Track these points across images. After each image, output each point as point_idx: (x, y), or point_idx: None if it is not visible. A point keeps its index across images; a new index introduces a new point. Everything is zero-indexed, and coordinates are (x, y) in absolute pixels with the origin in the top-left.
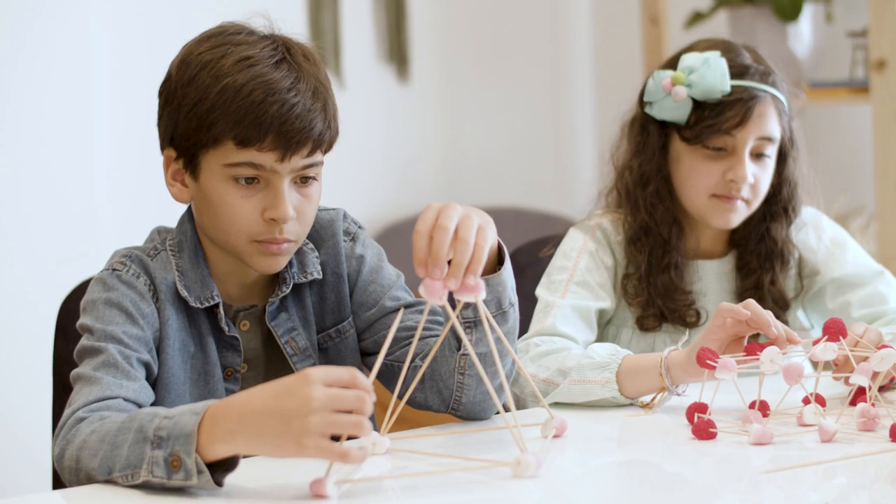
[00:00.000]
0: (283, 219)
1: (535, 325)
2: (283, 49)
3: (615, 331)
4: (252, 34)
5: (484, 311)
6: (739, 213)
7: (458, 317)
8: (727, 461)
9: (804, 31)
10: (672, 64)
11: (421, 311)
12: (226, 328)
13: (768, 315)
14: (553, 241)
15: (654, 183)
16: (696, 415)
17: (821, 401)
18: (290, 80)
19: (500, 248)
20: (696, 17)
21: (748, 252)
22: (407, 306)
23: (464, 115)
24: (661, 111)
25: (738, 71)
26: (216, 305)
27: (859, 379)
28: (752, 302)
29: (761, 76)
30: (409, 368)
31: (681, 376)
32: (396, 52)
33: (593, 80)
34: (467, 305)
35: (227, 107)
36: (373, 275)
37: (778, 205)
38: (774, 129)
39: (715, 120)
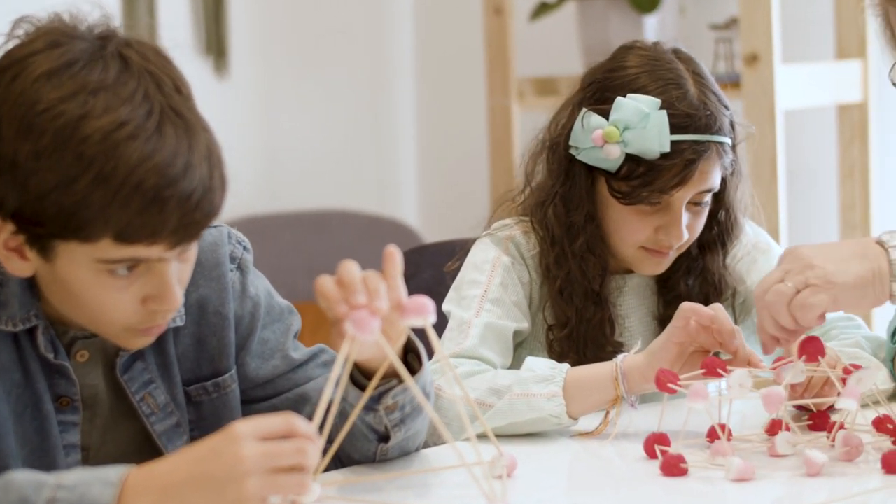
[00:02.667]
0: (173, 309)
1: (450, 346)
2: (154, 88)
3: (528, 354)
4: (99, 55)
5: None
6: (670, 261)
7: (384, 412)
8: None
9: (662, 24)
10: (601, 98)
11: (323, 364)
12: (49, 355)
13: (734, 328)
14: (459, 253)
15: (584, 235)
16: (656, 447)
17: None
18: (184, 154)
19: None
20: (543, 8)
21: (673, 276)
22: (309, 359)
23: (284, 112)
24: (588, 158)
25: (680, 122)
26: (35, 328)
27: (848, 403)
28: (719, 307)
29: (706, 125)
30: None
31: (640, 384)
32: (214, 44)
33: (417, 76)
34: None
35: (107, 206)
36: (268, 321)
37: (713, 230)
38: (716, 179)
39: (650, 185)
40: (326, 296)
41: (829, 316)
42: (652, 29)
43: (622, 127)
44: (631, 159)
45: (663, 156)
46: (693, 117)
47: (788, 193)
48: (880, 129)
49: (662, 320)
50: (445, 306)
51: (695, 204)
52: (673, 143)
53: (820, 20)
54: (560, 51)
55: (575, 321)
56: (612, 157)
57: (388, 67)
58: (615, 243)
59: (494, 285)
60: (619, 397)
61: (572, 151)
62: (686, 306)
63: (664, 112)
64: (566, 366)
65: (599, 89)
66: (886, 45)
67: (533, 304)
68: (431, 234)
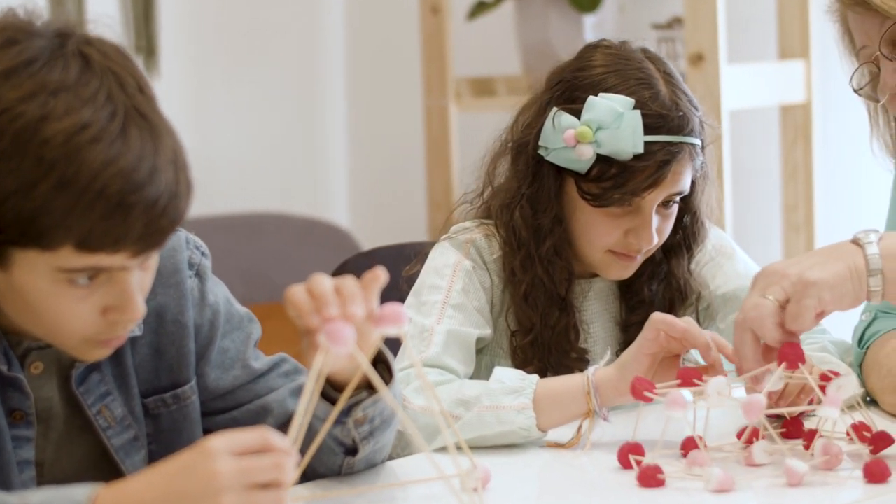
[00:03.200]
0: (135, 319)
1: (412, 353)
2: (117, 88)
3: (489, 361)
4: (58, 54)
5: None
6: (636, 265)
7: (352, 425)
8: None
9: (602, 24)
10: (571, 97)
11: (285, 374)
12: (2, 367)
13: (708, 336)
14: (417, 258)
15: (552, 238)
16: (630, 457)
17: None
18: (149, 158)
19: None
20: (481, 7)
21: (636, 281)
22: (271, 369)
23: (215, 113)
24: (558, 159)
25: (653, 123)
26: None
27: (829, 411)
28: (690, 321)
29: (679, 126)
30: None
31: (613, 397)
32: (144, 43)
33: (349, 76)
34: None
35: (69, 212)
36: (227, 330)
37: (679, 234)
38: (687, 182)
39: (622, 187)
40: (298, 307)
41: None
42: (592, 28)
43: (595, 127)
44: (602, 160)
45: (636, 157)
46: (666, 118)
47: (732, 194)
48: (823, 130)
49: (625, 326)
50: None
51: (664, 207)
52: (646, 144)
53: (762, 20)
54: (497, 51)
55: (539, 327)
56: (584, 157)
57: (319, 67)
58: (583, 247)
59: (456, 291)
60: (591, 411)
61: (541, 152)
62: (657, 318)
63: (638, 112)
64: (535, 377)
65: (568, 88)
66: (845, 50)
67: (494, 309)
68: (366, 237)
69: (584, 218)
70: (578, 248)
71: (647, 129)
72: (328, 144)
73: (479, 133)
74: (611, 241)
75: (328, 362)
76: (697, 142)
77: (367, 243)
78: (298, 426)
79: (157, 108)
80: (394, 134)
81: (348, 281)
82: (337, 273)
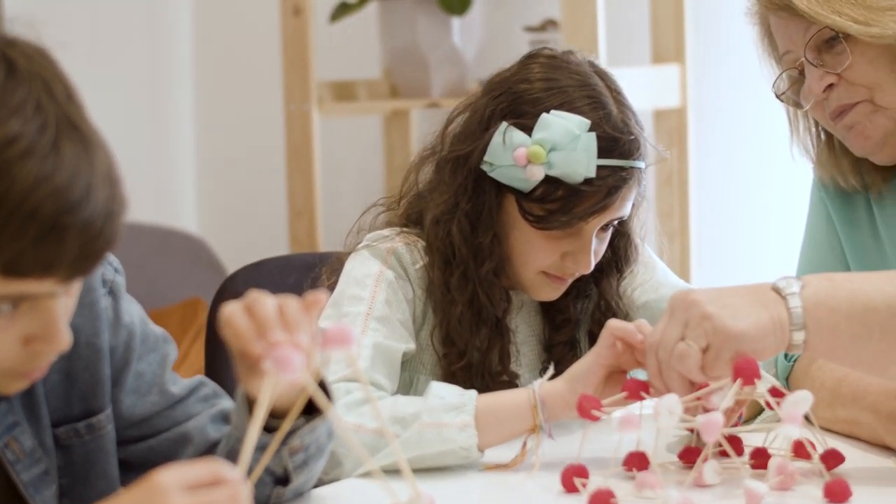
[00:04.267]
0: (60, 349)
1: (335, 369)
2: (46, 96)
3: (408, 378)
4: None
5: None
6: (566, 286)
7: (287, 454)
8: None
9: (472, 26)
10: (522, 112)
11: (204, 398)
12: None
13: None
14: (327, 267)
15: (492, 260)
16: (575, 480)
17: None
18: (84, 175)
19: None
20: (344, 9)
21: (561, 298)
22: (189, 394)
23: None
24: (502, 176)
25: (606, 146)
26: None
27: (790, 430)
28: (645, 324)
29: (629, 151)
30: None
31: (561, 412)
32: None
33: (197, 80)
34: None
35: None
36: (143, 352)
37: (612, 258)
38: (629, 207)
39: (570, 210)
40: (238, 333)
41: None
42: (461, 31)
43: (549, 147)
44: (549, 181)
45: (586, 181)
46: (618, 141)
47: None
48: (698, 135)
49: (549, 346)
50: (322, 324)
51: (602, 230)
52: (598, 168)
53: (635, 24)
54: (359, 54)
55: (477, 351)
56: (533, 178)
57: (166, 73)
58: (516, 266)
59: (379, 302)
60: (536, 427)
61: (484, 167)
62: (613, 325)
63: (593, 135)
64: (474, 393)
65: (515, 101)
66: (763, 53)
67: (416, 322)
68: (221, 247)
69: (522, 237)
70: (511, 267)
71: (600, 153)
72: (176, 151)
73: (341, 138)
74: (546, 264)
75: (275, 390)
76: (643, 165)
77: (222, 253)
78: (249, 457)
79: (88, 118)
80: (251, 139)
81: (290, 302)
82: (225, 287)
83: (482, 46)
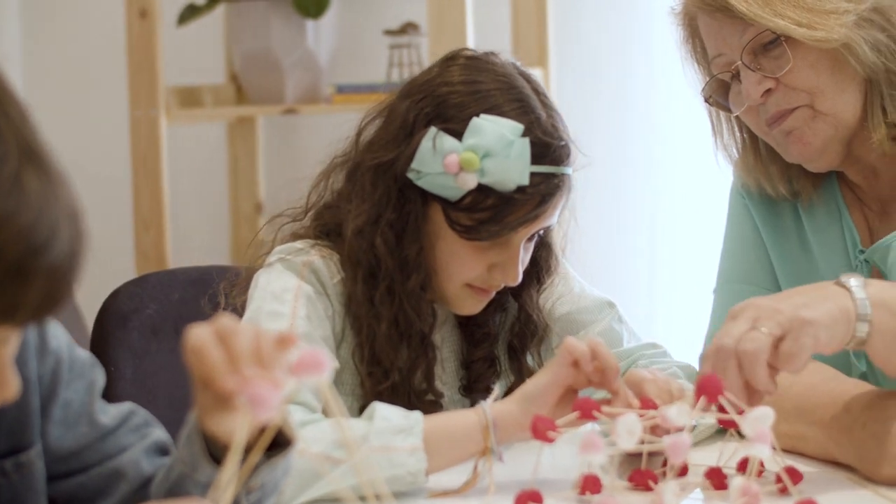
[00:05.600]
0: (8, 398)
1: (325, 389)
2: (4, 120)
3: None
4: None
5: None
6: (489, 299)
7: (243, 493)
8: None
9: (330, 29)
10: (450, 116)
11: (135, 428)
12: None
13: (617, 366)
14: (226, 283)
15: (419, 273)
16: None
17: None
18: (49, 213)
19: None
20: (192, 12)
21: (480, 313)
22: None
23: None
24: (431, 185)
25: (538, 152)
26: None
27: (760, 449)
28: (599, 344)
29: (560, 157)
30: None
31: (514, 433)
32: None
33: (27, 85)
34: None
35: None
36: (70, 379)
37: (532, 270)
38: (557, 215)
39: (501, 219)
40: (210, 364)
41: (631, 345)
42: (317, 34)
43: (482, 154)
44: (479, 190)
45: (519, 189)
46: (550, 147)
47: None
48: None
49: (468, 363)
50: None
51: (528, 239)
52: (531, 176)
53: (499, 28)
54: (205, 58)
55: (405, 369)
56: (465, 186)
57: None
58: (440, 279)
59: (300, 318)
60: (487, 449)
61: (411, 175)
62: (569, 344)
63: (527, 140)
64: (419, 414)
65: (439, 105)
66: (687, 56)
67: (335, 339)
68: None
69: (448, 249)
70: (435, 279)
71: (532, 159)
72: None
73: (183, 147)
74: (473, 276)
75: (248, 428)
76: (571, 172)
77: None
78: (230, 499)
79: (45, 143)
80: (93, 147)
81: (265, 335)
82: (108, 304)
83: (337, 50)
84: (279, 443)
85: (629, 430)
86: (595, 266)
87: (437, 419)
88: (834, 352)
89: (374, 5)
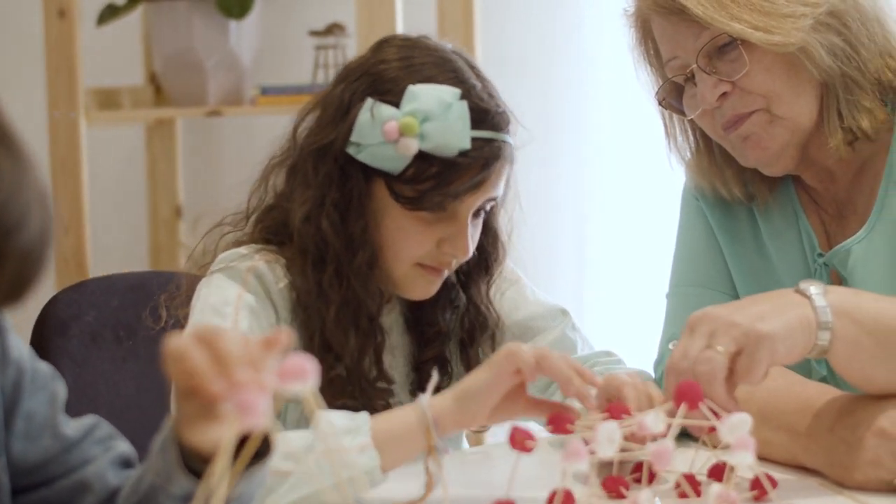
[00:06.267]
0: None
1: (309, 399)
2: None
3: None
4: None
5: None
6: (441, 281)
7: None
8: None
9: (253, 30)
10: (386, 89)
11: (99, 441)
12: None
13: (567, 365)
14: (166, 295)
15: (365, 250)
16: None
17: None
18: (20, 195)
19: None
20: (111, 12)
21: (429, 310)
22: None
23: None
24: (372, 158)
25: (477, 117)
26: None
27: (742, 457)
28: (546, 357)
29: (499, 123)
30: None
31: (451, 429)
32: None
33: None
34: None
35: None
36: (32, 390)
37: (479, 259)
38: (503, 186)
39: (445, 186)
40: (195, 369)
41: (585, 353)
42: (240, 34)
43: (421, 118)
44: (420, 158)
45: (460, 154)
46: (488, 112)
47: None
48: None
49: (418, 364)
50: None
51: (475, 216)
52: (472, 140)
53: (425, 30)
54: (124, 59)
55: (356, 354)
56: (408, 152)
57: None
58: (389, 259)
59: (242, 331)
60: (432, 447)
61: (351, 150)
62: (511, 349)
63: (465, 103)
64: (365, 414)
65: (375, 81)
66: (640, 58)
67: None
68: None
69: (394, 225)
70: (384, 260)
71: (472, 124)
72: None
73: (100, 149)
74: (422, 252)
75: (236, 434)
76: (513, 142)
77: None
78: None
79: (13, 126)
80: None
81: (250, 338)
82: (47, 312)
83: (261, 51)
84: (256, 452)
85: (609, 437)
86: (523, 267)
87: (383, 418)
88: (794, 362)
89: (298, 6)
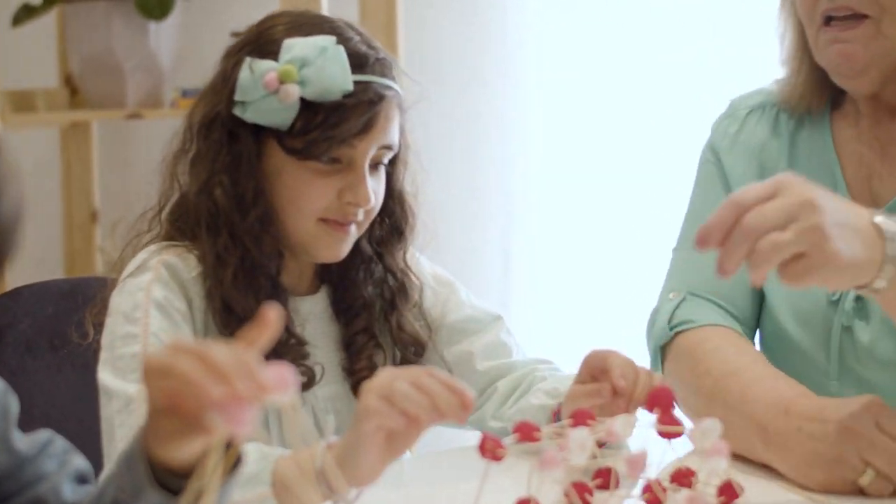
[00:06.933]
0: None
1: (120, 432)
2: None
3: None
4: None
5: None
6: (351, 242)
7: None
8: None
9: (174, 31)
10: (263, 50)
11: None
12: None
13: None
14: (90, 308)
15: (257, 208)
16: None
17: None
18: None
19: None
20: (27, 13)
21: (351, 288)
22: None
23: None
24: (258, 114)
25: (357, 62)
26: None
27: (718, 462)
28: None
29: (383, 67)
30: None
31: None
32: None
33: None
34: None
35: None
36: None
37: (386, 223)
38: (396, 134)
39: (333, 129)
40: (189, 378)
41: (520, 358)
42: (159, 36)
43: (299, 65)
44: (306, 109)
45: (345, 101)
46: (368, 57)
47: None
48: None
49: (349, 342)
50: (100, 375)
51: (374, 167)
52: (355, 84)
53: None
54: (39, 61)
55: (256, 312)
56: (289, 99)
57: None
58: (292, 217)
59: (153, 335)
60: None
61: (237, 111)
62: (369, 408)
63: (342, 47)
64: (278, 451)
65: (255, 43)
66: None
67: (199, 336)
68: None
69: (292, 182)
70: (287, 221)
71: (352, 69)
72: None
73: (20, 152)
74: (323, 205)
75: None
76: (400, 92)
77: None
78: None
79: None
80: None
81: (237, 347)
82: None
83: (181, 53)
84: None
85: (581, 444)
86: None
87: (288, 463)
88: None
89: (220, 7)
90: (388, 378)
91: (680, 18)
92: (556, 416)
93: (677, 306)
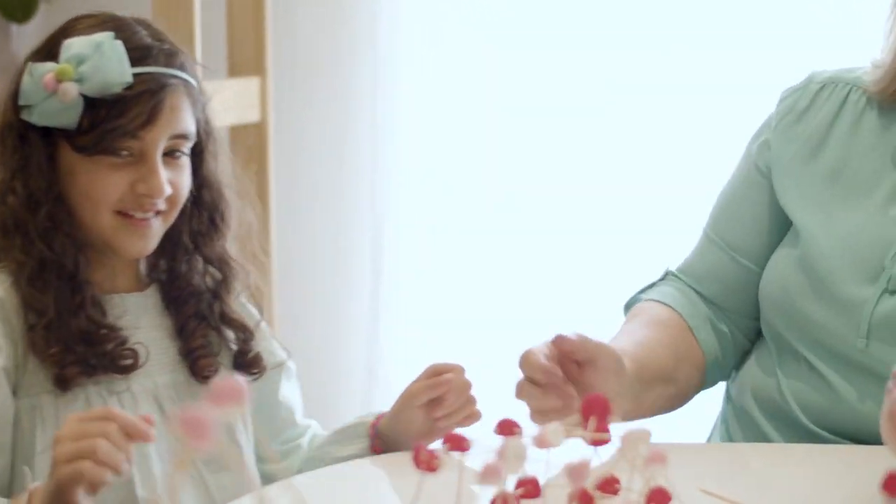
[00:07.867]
0: None
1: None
2: None
3: (29, 403)
4: None
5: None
6: (155, 235)
7: None
8: None
9: (35, 33)
10: (49, 53)
11: None
12: None
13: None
14: None
15: (46, 205)
16: None
17: None
18: None
19: None
20: None
21: (177, 280)
22: None
23: None
24: (43, 116)
25: (139, 54)
26: None
27: (659, 471)
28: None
29: (167, 58)
30: None
31: None
32: None
33: None
34: None
35: None
36: None
37: (202, 215)
38: (189, 123)
39: (116, 122)
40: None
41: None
42: (21, 38)
43: (76, 63)
44: (90, 106)
45: (126, 93)
46: (151, 48)
47: None
48: (278, 151)
49: (180, 331)
50: None
51: (171, 156)
52: (135, 76)
53: (215, 35)
54: None
55: (54, 308)
56: (67, 97)
57: None
58: (88, 213)
59: None
60: None
61: (24, 115)
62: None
63: (120, 42)
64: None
65: (44, 49)
66: None
67: (13, 345)
68: None
69: (86, 179)
70: (84, 217)
71: (133, 62)
72: None
73: None
74: (116, 197)
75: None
76: (190, 78)
77: None
78: None
79: None
80: None
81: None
82: None
83: None
84: None
85: (516, 454)
86: (316, 269)
87: None
88: None
89: (85, 9)
90: (75, 423)
91: (558, 21)
92: (374, 427)
93: (651, 285)
